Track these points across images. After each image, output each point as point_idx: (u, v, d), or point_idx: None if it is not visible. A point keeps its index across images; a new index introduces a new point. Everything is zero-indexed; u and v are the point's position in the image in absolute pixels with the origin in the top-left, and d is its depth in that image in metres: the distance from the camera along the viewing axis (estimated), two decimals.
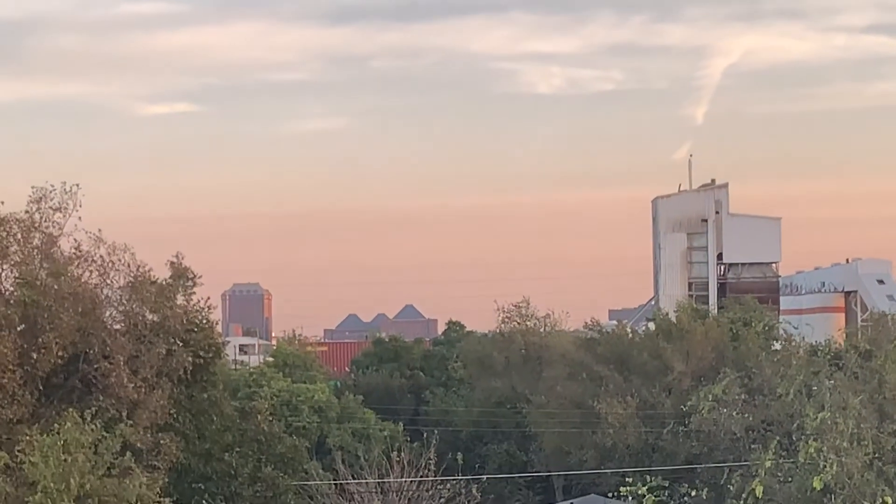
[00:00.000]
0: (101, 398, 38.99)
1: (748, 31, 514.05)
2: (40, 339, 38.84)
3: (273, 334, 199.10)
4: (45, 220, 41.52)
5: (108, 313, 42.13)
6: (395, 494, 44.81)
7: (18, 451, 33.80)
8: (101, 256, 41.55)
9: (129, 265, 41.90)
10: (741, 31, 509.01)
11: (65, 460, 32.70)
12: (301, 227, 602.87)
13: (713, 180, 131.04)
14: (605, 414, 58.08)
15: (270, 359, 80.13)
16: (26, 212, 41.32)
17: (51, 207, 41.37)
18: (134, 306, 41.96)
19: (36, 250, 41.37)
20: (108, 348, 39.76)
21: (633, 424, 57.99)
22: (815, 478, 31.15)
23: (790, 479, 38.33)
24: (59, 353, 39.11)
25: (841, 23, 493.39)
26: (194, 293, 44.13)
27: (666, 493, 25.00)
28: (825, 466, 35.54)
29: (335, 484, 47.25)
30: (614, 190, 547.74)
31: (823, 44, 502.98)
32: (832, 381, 40.46)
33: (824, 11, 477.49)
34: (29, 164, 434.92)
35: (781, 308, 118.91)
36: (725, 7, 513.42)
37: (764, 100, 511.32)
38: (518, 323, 75.29)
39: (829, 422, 37.09)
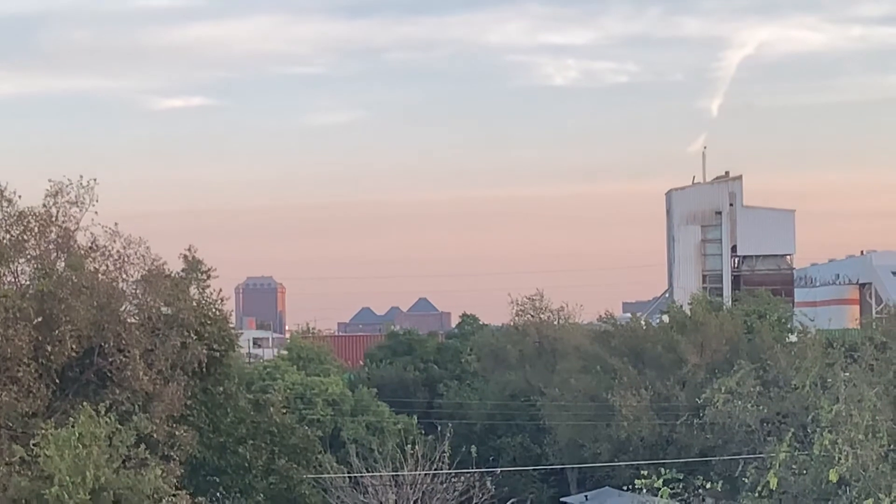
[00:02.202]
0: (117, 391, 39.14)
1: (764, 22, 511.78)
2: (56, 332, 38.97)
3: (287, 327, 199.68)
4: (62, 215, 41.71)
5: (122, 307, 42.28)
6: (409, 487, 44.88)
7: (34, 444, 33.92)
8: (117, 251, 41.75)
9: (143, 258, 42.09)
10: (757, 22, 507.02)
11: (80, 453, 32.81)
12: (315, 220, 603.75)
13: (727, 172, 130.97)
14: (620, 406, 58.08)
15: (284, 352, 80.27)
16: (43, 206, 41.52)
17: (67, 202, 41.57)
18: (148, 299, 42.09)
19: (52, 244, 41.56)
20: (123, 341, 39.89)
21: (647, 417, 57.98)
22: (831, 470, 31.09)
23: (805, 472, 38.25)
24: (74, 347, 39.25)
25: (857, 14, 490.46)
26: (208, 286, 44.30)
27: (680, 486, 24.95)
28: (840, 458, 35.45)
29: (349, 477, 47.34)
30: (629, 182, 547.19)
31: (839, 35, 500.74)
32: (847, 374, 40.32)
33: (840, 2, 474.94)
34: (43, 158, 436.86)
35: (796, 300, 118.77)
36: None
37: (779, 91, 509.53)
38: (532, 316, 75.30)
39: (844, 414, 36.99)
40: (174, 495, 34.97)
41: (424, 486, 44.91)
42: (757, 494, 31.72)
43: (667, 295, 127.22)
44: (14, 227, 41.22)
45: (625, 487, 53.67)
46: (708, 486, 26.58)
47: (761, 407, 46.05)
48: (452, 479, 45.33)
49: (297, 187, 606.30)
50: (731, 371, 47.93)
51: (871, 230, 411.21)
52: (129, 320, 41.78)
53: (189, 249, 44.54)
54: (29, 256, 41.37)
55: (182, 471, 38.42)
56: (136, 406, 38.89)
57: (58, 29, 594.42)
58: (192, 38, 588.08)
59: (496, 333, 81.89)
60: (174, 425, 40.15)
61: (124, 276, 42.22)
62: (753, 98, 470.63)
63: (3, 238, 41.14)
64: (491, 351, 76.94)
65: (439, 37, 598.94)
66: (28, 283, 41.03)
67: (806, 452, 38.42)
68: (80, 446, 32.81)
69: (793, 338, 64.09)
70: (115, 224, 41.99)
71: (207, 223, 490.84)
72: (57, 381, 39.71)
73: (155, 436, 37.97)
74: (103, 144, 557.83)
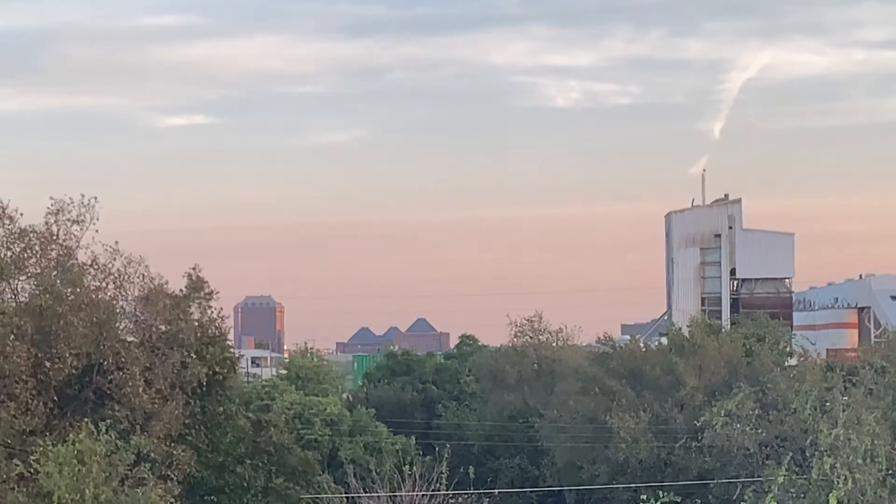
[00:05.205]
0: (116, 409, 39.10)
1: (767, 45, 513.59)
2: (54, 349, 38.97)
3: (285, 347, 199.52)
4: (63, 233, 41.76)
5: (121, 325, 42.28)
6: None
7: (33, 460, 33.88)
8: (117, 269, 41.77)
9: (143, 277, 42.11)
10: (760, 45, 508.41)
11: (79, 470, 32.75)
12: (314, 239, 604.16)
13: (726, 195, 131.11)
14: (618, 429, 57.94)
15: (283, 371, 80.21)
16: (45, 224, 41.58)
17: (69, 220, 41.65)
18: (147, 318, 42.09)
19: (53, 262, 41.59)
20: (122, 359, 39.88)
21: (645, 439, 57.85)
22: (830, 494, 31.13)
23: (803, 496, 38.21)
24: (73, 364, 39.22)
25: (860, 38, 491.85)
26: (210, 306, 44.25)
27: None
28: (839, 483, 35.47)
29: (347, 497, 47.25)
30: (630, 204, 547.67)
31: (842, 59, 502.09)
32: (846, 398, 40.34)
33: (844, 26, 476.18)
34: (45, 175, 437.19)
35: (794, 324, 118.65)
36: (744, 22, 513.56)
37: (781, 115, 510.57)
38: (531, 337, 75.31)
39: (842, 438, 37.01)
40: None
41: None
42: None
43: (665, 317, 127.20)
44: (15, 245, 41.26)
45: None
46: None
47: (760, 430, 46.00)
48: (450, 501, 45.21)
49: (297, 206, 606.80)
50: (730, 394, 47.93)
51: (870, 254, 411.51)
52: (128, 338, 41.79)
53: (194, 268, 44.50)
54: (29, 274, 41.40)
55: (180, 490, 38.36)
56: (136, 425, 38.86)
57: (60, 46, 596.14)
58: (195, 57, 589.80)
59: (495, 354, 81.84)
60: (172, 445, 40.09)
61: (124, 294, 42.24)
62: (755, 121, 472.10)
63: (5, 255, 41.18)
64: (489, 372, 76.86)
65: (442, 57, 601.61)
66: (28, 300, 41.02)
67: (804, 476, 38.39)
68: (79, 464, 32.76)
69: (792, 361, 64.08)
70: (116, 242, 42.10)
71: (207, 241, 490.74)
72: (55, 398, 39.66)
73: (153, 455, 37.92)
74: (105, 162, 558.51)
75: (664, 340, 69.72)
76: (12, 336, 38.44)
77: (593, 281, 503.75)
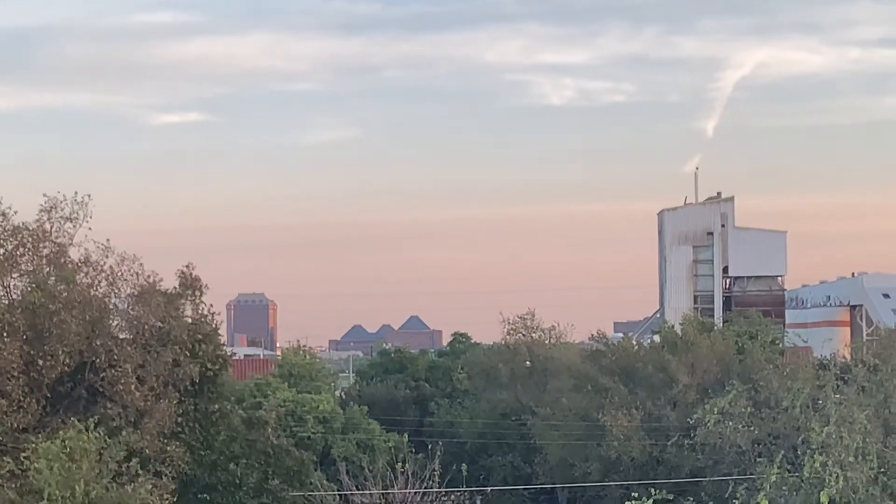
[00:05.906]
0: (108, 406, 39.09)
1: (762, 43, 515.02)
2: (47, 347, 38.94)
3: (278, 344, 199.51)
4: (56, 230, 41.72)
5: (114, 322, 42.25)
6: None
7: (24, 457, 33.87)
8: (109, 267, 41.73)
9: (136, 275, 42.09)
10: (754, 43, 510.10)
11: (69, 467, 32.75)
12: (308, 237, 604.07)
13: (719, 193, 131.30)
14: (610, 426, 58.00)
15: (276, 369, 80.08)
16: (37, 221, 41.54)
17: (61, 217, 41.60)
18: (140, 315, 42.05)
19: (46, 260, 41.55)
20: (114, 357, 39.85)
21: (637, 437, 57.91)
22: (822, 492, 31.16)
23: (795, 493, 38.29)
24: (66, 361, 39.18)
25: (855, 36, 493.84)
26: (203, 303, 44.21)
27: None
28: (830, 481, 35.56)
29: (339, 495, 47.26)
30: (624, 202, 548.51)
31: (837, 57, 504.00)
32: (838, 395, 40.44)
33: (839, 24, 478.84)
34: (39, 173, 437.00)
35: (787, 322, 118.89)
36: (739, 20, 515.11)
37: (776, 113, 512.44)
38: (523, 335, 75.30)
39: (834, 436, 37.10)
40: None
41: None
42: None
43: (658, 315, 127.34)
44: (8, 242, 41.21)
45: None
46: None
47: (752, 428, 46.07)
48: (442, 498, 45.27)
49: (290, 204, 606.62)
50: (723, 391, 47.99)
51: (862, 252, 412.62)
52: (120, 336, 41.76)
53: (187, 266, 44.47)
54: (22, 271, 41.37)
55: (173, 486, 38.33)
56: (126, 421, 38.85)
57: (56, 44, 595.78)
58: (189, 55, 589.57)
59: (487, 352, 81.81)
60: (165, 441, 40.08)
61: (116, 291, 42.22)
62: (749, 119, 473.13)
63: None
64: (482, 369, 76.88)
65: (437, 55, 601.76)
66: (20, 297, 40.98)
67: (796, 474, 38.47)
68: (70, 460, 32.75)
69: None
70: (108, 240, 42.07)
71: (200, 238, 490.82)
72: (48, 395, 39.63)
73: (147, 451, 37.91)
74: (99, 159, 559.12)
75: (657, 338, 69.79)
76: (4, 333, 38.41)
77: (586, 278, 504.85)
